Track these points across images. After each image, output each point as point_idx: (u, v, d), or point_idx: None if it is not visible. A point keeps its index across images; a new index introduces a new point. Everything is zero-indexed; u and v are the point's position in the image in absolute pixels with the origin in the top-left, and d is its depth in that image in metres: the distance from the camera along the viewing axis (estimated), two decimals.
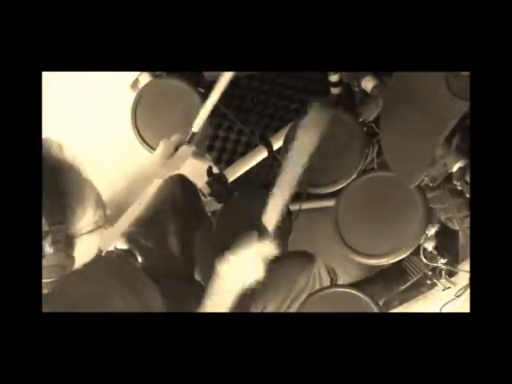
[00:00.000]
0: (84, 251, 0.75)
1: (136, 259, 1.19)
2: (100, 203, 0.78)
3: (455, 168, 0.96)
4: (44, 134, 0.70)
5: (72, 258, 0.72)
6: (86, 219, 0.73)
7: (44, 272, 0.68)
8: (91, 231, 0.75)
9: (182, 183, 1.30)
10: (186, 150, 1.14)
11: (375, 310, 0.99)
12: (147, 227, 1.22)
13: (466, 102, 0.81)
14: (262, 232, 0.95)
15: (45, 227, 0.67)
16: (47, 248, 0.67)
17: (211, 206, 1.52)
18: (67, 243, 0.70)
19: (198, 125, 1.16)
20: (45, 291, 0.70)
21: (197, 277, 1.28)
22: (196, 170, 1.45)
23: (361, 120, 1.20)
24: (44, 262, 0.68)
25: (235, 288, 0.90)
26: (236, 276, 0.90)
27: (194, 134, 1.17)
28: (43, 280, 0.69)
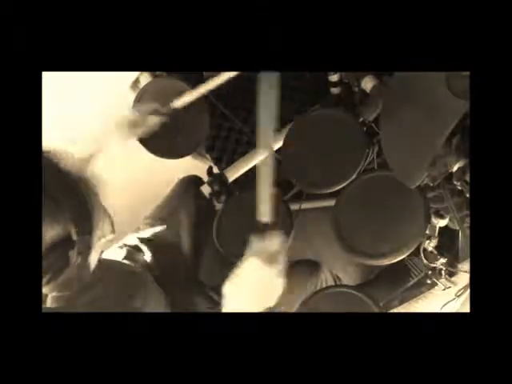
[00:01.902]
0: (92, 261, 0.75)
1: (143, 255, 1.19)
2: (106, 214, 0.77)
3: (455, 168, 0.96)
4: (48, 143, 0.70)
5: (89, 270, 0.72)
6: (100, 231, 0.73)
7: (62, 285, 0.68)
8: (99, 240, 0.75)
9: (194, 183, 1.31)
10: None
11: (375, 309, 0.99)
12: (160, 225, 1.22)
13: (466, 102, 0.81)
14: (260, 230, 0.80)
15: (74, 236, 0.66)
16: (74, 258, 0.67)
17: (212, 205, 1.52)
18: (89, 254, 0.71)
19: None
20: (50, 305, 0.70)
21: (201, 277, 1.28)
22: (196, 170, 1.45)
23: (361, 120, 1.20)
24: (65, 275, 0.67)
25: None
26: (249, 297, 0.78)
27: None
28: (55, 294, 0.69)
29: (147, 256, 1.19)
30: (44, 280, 0.66)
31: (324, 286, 1.23)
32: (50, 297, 0.70)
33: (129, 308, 0.84)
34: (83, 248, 0.69)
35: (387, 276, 1.59)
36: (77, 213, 0.68)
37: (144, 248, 1.20)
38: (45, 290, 0.68)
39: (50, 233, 0.64)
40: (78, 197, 0.69)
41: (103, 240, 0.76)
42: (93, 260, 0.74)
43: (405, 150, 0.99)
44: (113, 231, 0.79)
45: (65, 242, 0.66)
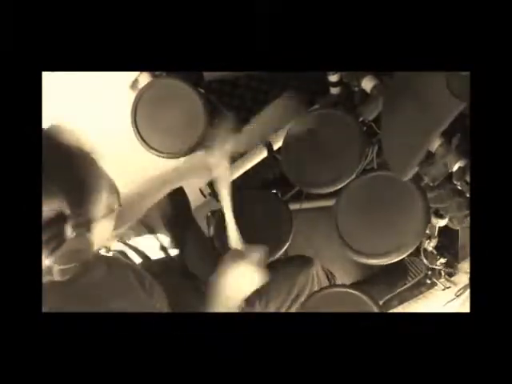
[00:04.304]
0: (99, 236, 0.77)
1: (131, 260, 1.19)
2: (113, 188, 0.79)
3: (455, 168, 0.96)
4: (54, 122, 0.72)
5: (91, 243, 0.74)
6: (101, 204, 0.74)
7: (63, 258, 0.69)
8: (105, 215, 0.76)
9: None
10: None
11: (375, 309, 0.99)
12: (139, 231, 1.22)
13: (461, 102, 0.82)
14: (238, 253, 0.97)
15: (66, 210, 0.68)
16: (69, 232, 0.69)
17: (211, 205, 1.52)
18: (87, 227, 0.72)
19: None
20: (58, 278, 0.71)
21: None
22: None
23: (361, 120, 1.20)
24: (64, 248, 0.69)
25: (236, 298, 0.92)
26: (234, 288, 0.91)
27: None
28: (60, 267, 0.70)
29: (135, 259, 1.19)
30: (45, 252, 0.68)
31: (316, 280, 1.23)
32: (56, 269, 0.70)
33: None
34: (79, 221, 0.70)
35: (385, 275, 1.59)
36: (71, 187, 0.69)
37: (130, 252, 1.20)
38: (48, 261, 0.69)
39: (44, 207, 0.66)
40: (73, 170, 0.71)
41: (109, 212, 0.77)
42: (97, 233, 0.75)
43: (400, 145, 1.00)
44: (119, 204, 0.80)
45: (58, 217, 0.68)
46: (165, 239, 1.26)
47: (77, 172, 0.72)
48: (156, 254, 1.24)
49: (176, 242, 1.27)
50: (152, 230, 1.26)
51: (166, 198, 1.23)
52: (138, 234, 1.24)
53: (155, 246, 1.26)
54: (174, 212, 1.29)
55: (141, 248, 1.21)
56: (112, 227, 0.82)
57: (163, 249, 1.26)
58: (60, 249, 0.69)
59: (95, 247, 0.77)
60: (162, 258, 1.24)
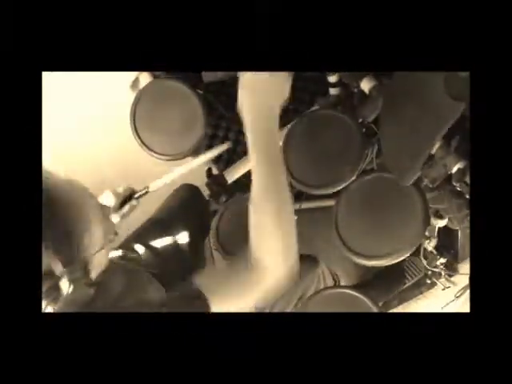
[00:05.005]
0: (97, 267, 0.75)
1: (138, 255, 1.19)
2: (105, 218, 0.76)
3: (455, 169, 0.96)
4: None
5: (91, 287, 0.71)
6: (94, 242, 0.72)
7: (65, 306, 0.66)
8: (101, 248, 0.74)
9: (190, 191, 1.32)
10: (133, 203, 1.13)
11: (375, 310, 0.99)
12: (157, 229, 1.23)
13: (461, 104, 0.82)
14: None
15: (58, 268, 0.64)
16: (65, 287, 0.65)
17: (211, 206, 1.52)
18: (85, 275, 0.69)
19: (156, 185, 1.16)
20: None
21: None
22: (195, 171, 1.45)
23: (360, 120, 1.20)
24: (64, 300, 0.66)
25: (266, 115, 0.87)
26: (260, 99, 0.86)
27: (147, 192, 1.16)
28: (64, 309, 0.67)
29: (143, 256, 1.19)
30: (45, 302, 0.65)
31: (322, 279, 1.23)
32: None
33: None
34: (75, 276, 0.66)
35: (385, 276, 1.59)
36: (60, 244, 0.65)
37: (141, 249, 1.20)
38: (51, 309, 0.66)
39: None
40: (60, 223, 0.66)
41: (105, 244, 0.75)
42: (95, 264, 0.73)
43: (401, 149, 1.00)
44: (114, 232, 0.79)
45: (51, 273, 0.64)
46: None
47: (65, 223, 0.66)
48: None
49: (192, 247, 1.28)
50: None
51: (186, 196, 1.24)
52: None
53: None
54: (193, 208, 1.30)
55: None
56: (107, 256, 0.80)
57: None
58: (60, 300, 0.66)
59: (94, 273, 0.74)
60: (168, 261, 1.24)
